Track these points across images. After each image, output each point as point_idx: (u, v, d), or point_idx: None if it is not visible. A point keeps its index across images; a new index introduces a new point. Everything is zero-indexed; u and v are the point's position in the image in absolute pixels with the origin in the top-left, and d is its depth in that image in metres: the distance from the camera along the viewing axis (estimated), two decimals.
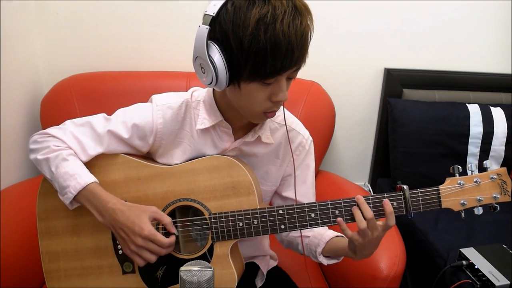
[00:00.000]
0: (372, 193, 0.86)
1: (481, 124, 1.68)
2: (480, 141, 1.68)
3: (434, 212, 1.53)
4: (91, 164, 0.90)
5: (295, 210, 0.86)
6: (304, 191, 1.02)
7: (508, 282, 1.16)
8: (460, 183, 0.84)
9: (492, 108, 1.72)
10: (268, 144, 0.96)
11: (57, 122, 0.94)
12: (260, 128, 0.93)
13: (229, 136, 0.93)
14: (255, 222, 0.86)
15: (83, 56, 1.56)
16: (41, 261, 0.94)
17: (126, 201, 0.90)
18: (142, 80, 1.52)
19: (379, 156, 1.87)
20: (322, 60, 1.68)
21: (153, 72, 1.56)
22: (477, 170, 0.86)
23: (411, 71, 1.77)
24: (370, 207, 0.83)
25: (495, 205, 0.85)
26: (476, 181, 0.84)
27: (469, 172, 0.86)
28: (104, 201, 0.85)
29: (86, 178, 0.86)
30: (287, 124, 0.95)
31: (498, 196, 0.85)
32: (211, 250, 0.89)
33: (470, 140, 1.68)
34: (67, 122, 0.93)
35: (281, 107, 0.93)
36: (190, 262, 0.73)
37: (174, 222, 0.90)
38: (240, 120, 0.92)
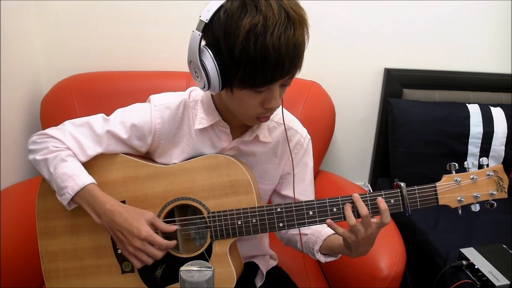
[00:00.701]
0: (370, 192, 0.86)
1: (481, 124, 1.68)
2: (480, 141, 1.68)
3: (434, 212, 1.55)
4: (90, 164, 0.90)
5: (293, 208, 0.86)
6: (303, 189, 1.02)
7: (508, 282, 1.16)
8: (456, 180, 0.85)
9: (492, 108, 1.72)
10: (266, 143, 0.96)
11: (57, 122, 0.94)
12: (258, 127, 0.94)
13: (227, 135, 0.93)
14: (254, 221, 0.87)
15: (83, 56, 1.56)
16: (40, 261, 0.94)
17: (125, 201, 0.90)
18: (142, 80, 1.52)
19: (379, 156, 1.87)
20: (322, 60, 1.68)
21: (153, 72, 1.56)
22: (474, 167, 0.87)
23: (411, 71, 1.77)
24: (367, 205, 0.84)
25: (492, 201, 0.86)
26: (473, 178, 0.85)
27: (466, 170, 0.86)
28: (102, 202, 0.85)
29: (84, 179, 0.86)
30: (285, 123, 0.96)
31: (494, 192, 0.85)
32: (210, 248, 0.89)
33: (470, 140, 1.68)
34: (66, 122, 0.93)
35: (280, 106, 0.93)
36: (190, 262, 0.73)
37: (173, 221, 0.90)
38: (237, 119, 0.92)
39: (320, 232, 0.98)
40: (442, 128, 1.67)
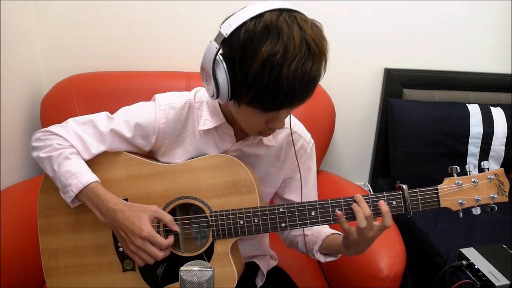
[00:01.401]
0: (372, 193, 0.86)
1: (481, 124, 1.68)
2: (480, 141, 1.68)
3: (434, 212, 1.55)
4: (93, 162, 0.91)
5: (296, 209, 0.86)
6: (306, 193, 1.02)
7: (508, 282, 1.16)
8: (458, 183, 0.85)
9: (492, 108, 1.72)
10: (269, 146, 0.96)
11: (57, 122, 0.94)
12: None
13: (231, 137, 0.93)
14: (256, 220, 0.87)
15: (83, 56, 1.56)
16: (41, 260, 0.94)
17: (127, 199, 0.90)
18: (142, 80, 1.52)
19: (379, 156, 1.87)
20: None
21: (153, 72, 1.56)
22: (475, 170, 0.87)
23: (411, 71, 1.77)
24: (369, 206, 0.84)
25: (493, 205, 0.86)
26: (474, 181, 0.85)
27: (467, 173, 0.87)
28: (105, 200, 0.85)
29: (87, 177, 0.86)
30: (288, 127, 0.96)
31: (495, 196, 0.86)
32: (211, 248, 0.89)
33: (470, 140, 1.68)
34: (70, 120, 0.93)
35: None
36: (190, 262, 0.73)
37: (175, 220, 0.90)
38: None
39: (319, 232, 0.98)
40: (442, 128, 1.67)
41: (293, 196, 1.03)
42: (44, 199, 0.94)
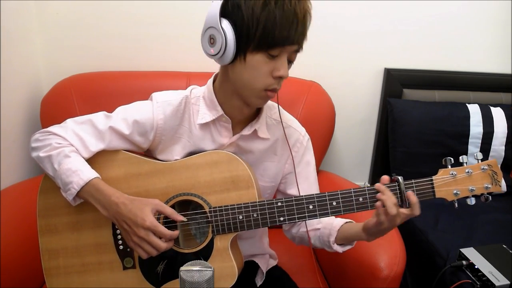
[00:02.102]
0: (369, 185, 0.88)
1: (481, 124, 1.68)
2: (480, 141, 1.68)
3: (434, 212, 1.55)
4: (92, 161, 0.91)
5: (294, 202, 0.87)
6: (308, 187, 1.03)
7: (508, 282, 1.16)
8: (452, 174, 0.87)
9: (492, 108, 1.72)
10: (264, 139, 0.97)
11: (57, 122, 0.95)
12: (257, 122, 0.95)
13: (228, 131, 0.94)
14: (255, 215, 0.87)
15: (83, 56, 1.56)
16: (40, 260, 0.94)
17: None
18: (142, 80, 1.52)
19: (379, 156, 1.87)
20: (322, 60, 1.68)
21: (153, 72, 1.56)
22: (470, 163, 0.88)
23: (411, 71, 1.77)
24: (366, 198, 0.86)
25: (487, 195, 0.87)
26: (468, 172, 0.87)
27: (462, 164, 0.88)
28: (107, 195, 0.86)
29: (88, 173, 0.87)
30: (283, 121, 0.97)
31: (489, 186, 0.87)
32: (211, 243, 0.90)
33: (470, 140, 1.68)
34: (68, 120, 0.94)
35: (276, 105, 0.94)
36: (190, 262, 0.73)
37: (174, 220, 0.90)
38: (240, 112, 0.92)
39: (332, 224, 0.99)
40: (442, 128, 1.67)
41: (294, 191, 1.03)
42: (43, 199, 0.94)
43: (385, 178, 0.87)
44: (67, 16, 1.51)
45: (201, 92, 0.95)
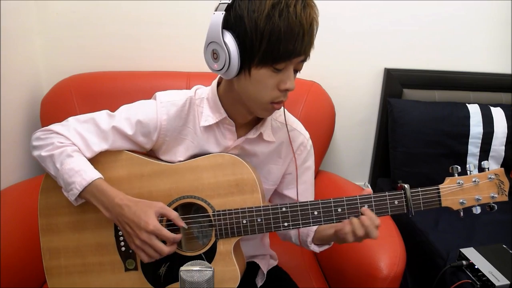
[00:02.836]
0: (374, 193, 0.87)
1: (481, 124, 1.68)
2: (480, 141, 1.68)
3: (434, 212, 1.55)
4: (95, 161, 0.90)
5: (298, 208, 0.86)
6: (303, 191, 1.03)
7: (508, 282, 1.16)
8: (459, 183, 0.86)
9: (492, 108, 1.72)
10: (269, 142, 0.97)
11: (57, 122, 0.94)
12: (262, 125, 0.94)
13: (232, 133, 0.93)
14: (259, 220, 0.87)
15: (83, 56, 1.56)
16: (41, 259, 0.94)
17: None
18: (142, 80, 1.52)
19: (379, 156, 1.87)
20: (322, 60, 1.68)
21: (153, 72, 1.56)
22: (476, 170, 0.88)
23: (411, 71, 1.77)
24: (371, 205, 0.85)
25: (493, 204, 0.87)
26: (475, 181, 0.86)
27: (468, 173, 0.87)
28: (110, 196, 0.85)
29: (91, 174, 0.86)
30: (288, 124, 0.96)
31: (495, 195, 0.86)
32: (214, 247, 0.89)
33: (470, 140, 1.68)
34: (70, 119, 0.93)
35: (282, 108, 0.94)
36: (190, 262, 0.73)
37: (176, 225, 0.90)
38: (243, 117, 0.92)
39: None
40: (442, 128, 1.67)
41: (290, 192, 1.03)
42: (44, 199, 0.93)
43: (368, 190, 0.87)
44: (67, 16, 1.51)
45: (205, 94, 0.94)
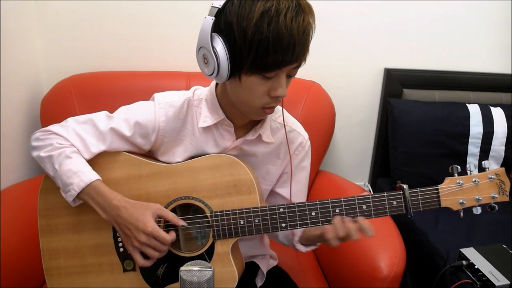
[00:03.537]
0: (372, 193, 0.87)
1: (481, 124, 1.68)
2: (480, 141, 1.68)
3: (434, 212, 1.55)
4: (93, 162, 0.90)
5: (296, 209, 0.86)
6: (297, 191, 1.04)
7: (508, 282, 1.16)
8: (459, 183, 0.85)
9: (492, 108, 1.72)
10: (268, 143, 0.96)
11: (57, 122, 0.94)
12: (261, 126, 0.94)
13: (231, 134, 0.93)
14: (256, 221, 0.87)
15: (83, 56, 1.56)
16: (41, 260, 0.94)
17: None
18: (142, 80, 1.52)
19: (379, 156, 1.87)
20: (322, 60, 1.68)
21: (153, 72, 1.56)
22: (476, 170, 0.87)
23: (411, 71, 1.77)
24: (369, 206, 0.84)
25: (493, 205, 0.86)
26: (475, 181, 0.85)
27: (468, 172, 0.87)
28: (108, 198, 0.85)
29: (89, 175, 0.86)
30: (288, 125, 0.97)
31: (496, 196, 0.86)
32: (212, 248, 0.89)
33: (470, 140, 1.68)
34: (69, 119, 0.93)
35: (281, 108, 0.94)
36: (190, 262, 0.73)
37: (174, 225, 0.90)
38: (241, 118, 0.92)
39: None
40: (442, 128, 1.67)
41: (283, 190, 1.04)
42: (44, 200, 0.94)
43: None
44: (67, 16, 1.51)
45: (204, 95, 0.94)
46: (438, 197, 0.85)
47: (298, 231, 1.00)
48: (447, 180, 0.86)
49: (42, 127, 1.14)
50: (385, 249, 1.13)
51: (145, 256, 0.86)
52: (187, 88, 0.98)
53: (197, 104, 0.93)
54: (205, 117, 0.92)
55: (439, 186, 0.85)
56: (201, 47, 0.78)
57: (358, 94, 1.79)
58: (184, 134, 0.94)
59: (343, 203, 0.85)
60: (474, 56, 1.80)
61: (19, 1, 1.38)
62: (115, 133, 0.91)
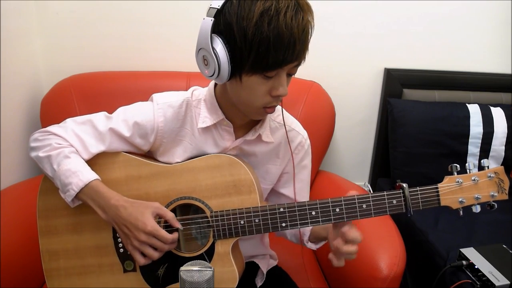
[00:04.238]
0: (372, 192, 0.87)
1: (481, 124, 1.68)
2: (480, 141, 1.68)
3: (434, 212, 1.55)
4: (92, 163, 0.90)
5: (296, 208, 0.86)
6: (299, 189, 1.04)
7: (508, 282, 1.16)
8: (458, 181, 0.85)
9: (492, 108, 1.72)
10: (268, 143, 0.97)
11: (57, 122, 0.94)
12: (261, 126, 0.94)
13: (230, 134, 0.93)
14: (257, 220, 0.87)
15: (83, 56, 1.56)
16: (41, 260, 0.94)
17: None
18: (142, 80, 1.52)
19: (379, 156, 1.87)
20: (322, 60, 1.68)
21: (153, 72, 1.56)
22: (475, 169, 0.87)
23: (411, 71, 1.77)
24: (369, 205, 0.84)
25: (493, 203, 0.86)
26: (474, 180, 0.85)
27: (467, 171, 0.87)
28: (107, 198, 0.85)
29: (88, 175, 0.86)
30: (287, 124, 0.96)
31: (495, 194, 0.86)
32: (212, 248, 0.89)
33: (470, 140, 1.68)
34: (68, 120, 0.93)
35: (280, 108, 0.94)
36: (190, 262, 0.73)
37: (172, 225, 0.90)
38: (241, 118, 0.92)
39: None
40: (442, 128, 1.67)
41: (287, 191, 1.04)
42: (43, 200, 0.93)
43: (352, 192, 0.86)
44: (67, 16, 1.51)
45: (203, 95, 0.94)
46: (438, 195, 0.85)
47: (306, 232, 1.00)
48: (447, 178, 0.86)
49: (42, 127, 1.14)
50: (385, 249, 1.13)
51: (145, 256, 0.86)
52: (187, 88, 0.97)
53: (196, 104, 0.93)
54: (204, 117, 0.92)
55: (439, 185, 0.86)
56: (200, 49, 0.78)
57: (358, 94, 1.79)
58: (183, 134, 0.94)
59: (343, 203, 0.85)
60: (474, 56, 1.80)
61: (19, 1, 1.38)
62: (114, 133, 0.91)
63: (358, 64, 1.74)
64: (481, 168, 0.87)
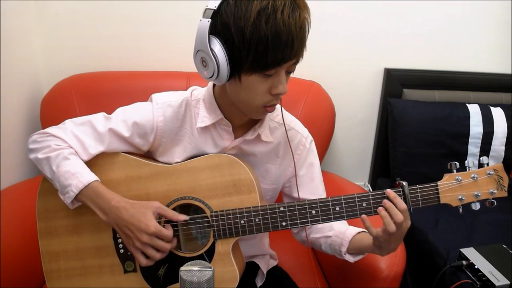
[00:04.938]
0: (372, 191, 0.87)
1: (481, 124, 1.68)
2: (480, 141, 1.68)
3: (434, 212, 1.55)
4: (92, 163, 0.90)
5: (296, 207, 0.86)
6: (313, 189, 1.02)
7: (508, 282, 1.16)
8: (458, 179, 0.86)
9: (492, 108, 1.72)
10: (267, 143, 0.96)
11: (57, 122, 0.94)
12: (260, 126, 0.94)
13: (229, 134, 0.93)
14: (257, 220, 0.87)
15: (83, 56, 1.56)
16: (41, 261, 0.94)
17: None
18: (142, 80, 1.52)
19: (379, 156, 1.87)
20: (322, 60, 1.68)
21: (153, 72, 1.56)
22: (474, 167, 0.88)
23: (411, 71, 1.77)
24: (369, 204, 0.84)
25: (492, 200, 0.86)
26: (474, 177, 0.86)
27: (467, 169, 0.87)
28: (107, 199, 0.85)
29: (88, 176, 0.86)
30: (286, 124, 0.96)
31: (495, 191, 0.86)
32: (212, 248, 0.89)
33: (470, 140, 1.68)
34: (67, 121, 0.93)
35: (279, 107, 0.94)
36: (190, 262, 0.73)
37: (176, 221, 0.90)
38: (240, 118, 0.92)
39: (344, 233, 0.96)
40: (442, 128, 1.67)
41: (304, 194, 1.01)
42: (42, 202, 0.93)
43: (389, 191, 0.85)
44: (67, 16, 1.51)
45: (202, 95, 0.94)
46: (437, 193, 0.86)
47: (345, 242, 0.95)
48: (446, 176, 0.87)
49: (42, 128, 1.14)
50: None
51: (147, 256, 0.86)
52: (187, 88, 0.97)
53: (195, 104, 0.93)
54: (203, 117, 0.92)
55: (438, 183, 0.86)
56: (198, 51, 0.78)
57: (358, 94, 1.80)
58: (183, 134, 0.94)
59: (343, 201, 0.85)
60: (474, 56, 1.80)
61: (19, 1, 1.38)
62: (113, 134, 0.90)
63: (358, 64, 1.74)
64: (480, 165, 0.87)
